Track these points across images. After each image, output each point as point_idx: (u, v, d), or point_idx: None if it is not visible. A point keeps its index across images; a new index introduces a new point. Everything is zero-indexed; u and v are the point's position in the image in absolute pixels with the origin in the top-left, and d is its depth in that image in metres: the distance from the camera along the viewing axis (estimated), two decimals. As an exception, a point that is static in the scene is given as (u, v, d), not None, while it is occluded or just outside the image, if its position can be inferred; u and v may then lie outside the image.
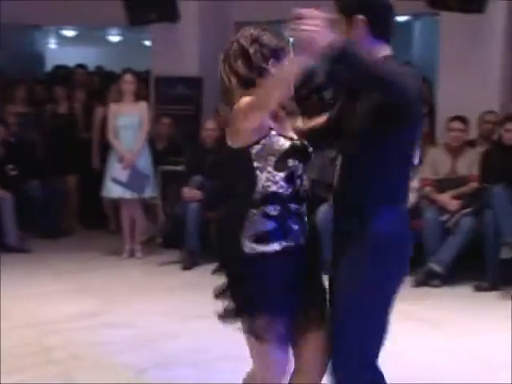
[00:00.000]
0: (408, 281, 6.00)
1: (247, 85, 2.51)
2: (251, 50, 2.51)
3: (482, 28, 7.14)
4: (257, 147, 2.48)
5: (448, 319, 5.10)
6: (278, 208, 2.50)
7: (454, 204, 6.12)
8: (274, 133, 2.51)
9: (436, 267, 5.92)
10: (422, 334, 4.79)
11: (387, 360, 2.66)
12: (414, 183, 6.29)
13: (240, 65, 2.51)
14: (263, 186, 2.50)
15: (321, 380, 2.64)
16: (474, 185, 6.22)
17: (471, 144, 6.62)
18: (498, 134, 6.45)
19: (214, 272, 2.85)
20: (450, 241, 5.98)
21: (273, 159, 2.50)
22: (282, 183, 2.51)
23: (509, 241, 5.67)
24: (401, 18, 9.92)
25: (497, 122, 6.69)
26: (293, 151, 2.53)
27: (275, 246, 2.49)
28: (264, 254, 2.48)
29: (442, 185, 6.27)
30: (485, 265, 5.92)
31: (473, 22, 6.99)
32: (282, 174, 2.50)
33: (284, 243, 2.49)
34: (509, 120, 6.29)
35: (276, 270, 2.49)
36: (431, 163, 6.38)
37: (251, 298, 2.49)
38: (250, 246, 2.48)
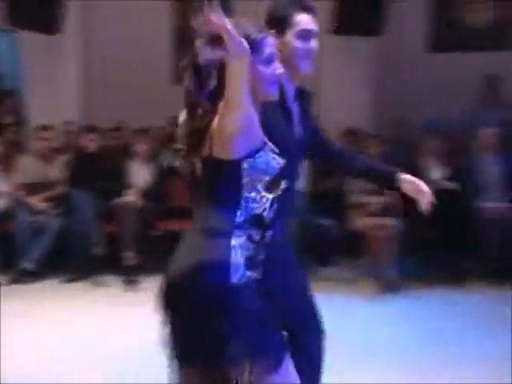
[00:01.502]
0: (2, 280, 6.22)
1: None
2: None
3: (58, 45, 7.78)
4: (250, 161, 2.09)
5: (43, 310, 5.47)
6: (259, 233, 2.16)
7: (42, 206, 6.54)
8: (269, 147, 2.14)
9: (28, 265, 6.29)
10: (21, 327, 5.02)
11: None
12: (5, 188, 6.58)
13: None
14: (249, 208, 2.13)
15: None
16: (60, 188, 6.69)
17: (59, 151, 7.08)
18: (78, 143, 7.04)
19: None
20: (39, 240, 6.38)
21: (266, 178, 2.14)
22: (267, 207, 2.16)
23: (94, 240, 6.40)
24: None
25: (78, 131, 7.31)
26: (287, 171, 2.19)
27: (256, 275, 2.15)
28: (247, 284, 2.11)
29: (33, 189, 6.62)
30: (72, 259, 6.43)
31: (49, 39, 7.55)
32: (270, 197, 2.16)
33: (256, 274, 2.15)
34: (89, 130, 6.94)
35: (255, 304, 2.12)
36: (23, 169, 6.71)
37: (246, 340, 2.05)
38: (241, 273, 2.09)
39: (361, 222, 6.58)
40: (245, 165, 2.08)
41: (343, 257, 7.01)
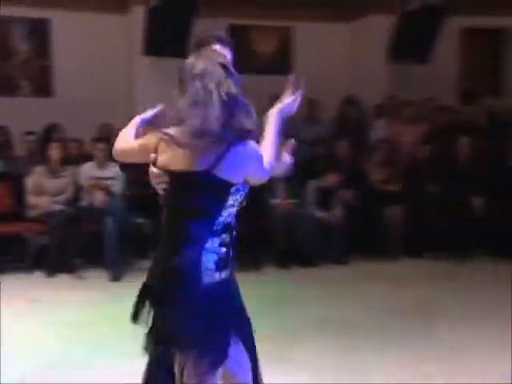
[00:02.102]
0: None
1: None
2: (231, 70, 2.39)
3: None
4: (239, 184, 2.36)
5: None
6: (229, 236, 2.40)
7: None
8: None
9: None
10: None
11: None
12: None
13: (231, 85, 2.32)
14: (223, 217, 2.36)
15: None
16: None
17: None
18: None
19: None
20: None
21: (243, 195, 2.42)
22: (234, 215, 2.43)
23: None
24: None
25: None
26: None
27: (227, 272, 2.40)
28: (223, 280, 2.36)
29: None
30: None
31: None
32: (237, 208, 2.44)
33: (225, 273, 2.39)
34: None
35: (227, 296, 2.43)
36: None
37: (211, 326, 2.29)
38: (211, 275, 2.32)
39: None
40: (234, 187, 2.32)
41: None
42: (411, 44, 8.20)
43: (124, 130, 2.60)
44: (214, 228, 2.31)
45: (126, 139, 2.53)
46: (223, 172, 2.22)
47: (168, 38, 7.70)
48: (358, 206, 7.64)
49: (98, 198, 7.04)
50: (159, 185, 2.38)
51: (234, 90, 2.26)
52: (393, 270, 7.16)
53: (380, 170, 7.98)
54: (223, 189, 2.29)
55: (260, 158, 2.32)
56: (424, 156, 8.12)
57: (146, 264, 7.02)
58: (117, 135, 2.62)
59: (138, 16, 7.90)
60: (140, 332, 2.49)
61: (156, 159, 2.32)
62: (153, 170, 2.37)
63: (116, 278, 6.70)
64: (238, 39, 9.07)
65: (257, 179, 2.40)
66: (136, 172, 7.20)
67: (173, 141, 2.25)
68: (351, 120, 8.96)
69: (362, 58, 9.25)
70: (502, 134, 8.28)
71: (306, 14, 8.93)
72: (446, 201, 7.67)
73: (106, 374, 4.16)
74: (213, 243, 2.31)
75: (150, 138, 2.35)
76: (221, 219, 2.33)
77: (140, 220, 7.15)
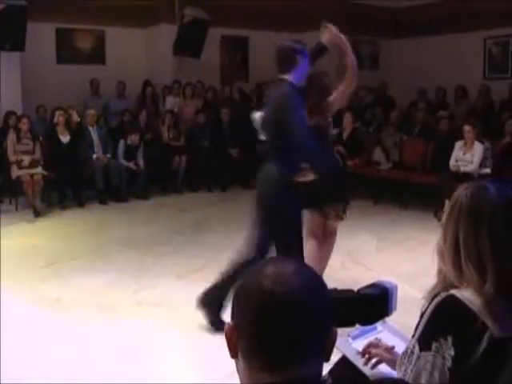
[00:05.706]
0: None
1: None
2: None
3: None
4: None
5: None
6: None
7: None
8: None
9: None
10: None
11: None
12: None
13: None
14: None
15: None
16: None
17: None
18: None
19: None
20: None
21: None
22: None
23: None
24: None
25: None
26: None
27: None
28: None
29: None
30: None
31: None
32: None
33: None
34: None
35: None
36: None
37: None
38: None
39: (18, 172, 7.30)
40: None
41: (4, 196, 7.78)
42: (188, 45, 8.81)
43: None
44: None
45: None
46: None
47: (9, 37, 8.04)
48: (155, 157, 8.28)
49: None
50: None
51: None
52: (179, 200, 7.93)
53: (170, 131, 8.67)
54: (321, 127, 3.93)
55: None
56: (200, 121, 8.92)
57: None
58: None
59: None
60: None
61: None
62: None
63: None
64: (63, 39, 9.64)
65: None
66: None
67: None
68: (149, 96, 9.40)
69: (155, 53, 9.66)
70: (248, 105, 9.09)
71: (115, 21, 9.22)
72: (213, 152, 8.54)
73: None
74: None
75: None
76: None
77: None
